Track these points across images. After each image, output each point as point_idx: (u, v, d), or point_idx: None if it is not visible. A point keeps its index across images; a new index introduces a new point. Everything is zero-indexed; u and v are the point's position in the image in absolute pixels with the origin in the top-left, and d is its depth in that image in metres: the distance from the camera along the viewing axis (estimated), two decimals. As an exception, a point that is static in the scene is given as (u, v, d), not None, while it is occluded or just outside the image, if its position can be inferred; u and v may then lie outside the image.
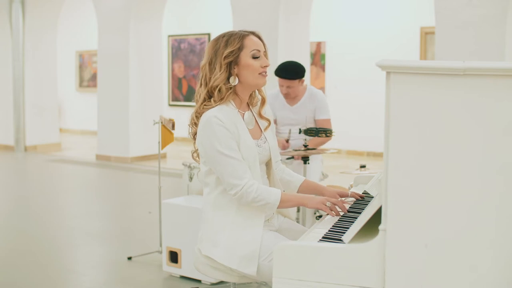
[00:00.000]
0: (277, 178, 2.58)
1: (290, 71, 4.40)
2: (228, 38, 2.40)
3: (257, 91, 2.55)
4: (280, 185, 2.58)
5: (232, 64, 2.39)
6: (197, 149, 2.51)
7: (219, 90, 2.38)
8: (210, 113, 2.35)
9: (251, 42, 2.41)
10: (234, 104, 2.43)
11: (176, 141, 4.49)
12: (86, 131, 13.77)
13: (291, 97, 4.53)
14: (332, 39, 10.37)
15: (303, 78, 4.50)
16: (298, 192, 2.67)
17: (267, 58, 2.46)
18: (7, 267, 4.35)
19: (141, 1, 9.30)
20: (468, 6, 6.24)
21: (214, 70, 2.39)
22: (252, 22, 7.74)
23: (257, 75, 2.41)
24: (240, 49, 2.39)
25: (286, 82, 4.42)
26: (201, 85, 2.45)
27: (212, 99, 2.40)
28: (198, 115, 2.43)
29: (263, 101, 2.56)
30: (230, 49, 2.37)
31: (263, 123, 2.56)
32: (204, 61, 2.44)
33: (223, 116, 2.35)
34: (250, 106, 2.53)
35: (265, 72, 2.44)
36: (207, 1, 11.85)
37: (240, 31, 2.44)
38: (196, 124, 2.45)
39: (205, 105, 2.40)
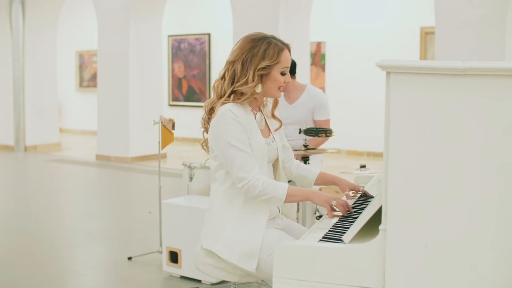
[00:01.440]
0: (284, 177, 2.63)
1: None
2: (267, 48, 2.43)
3: None
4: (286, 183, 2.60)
5: (263, 75, 2.44)
6: (206, 139, 2.55)
7: (243, 94, 2.43)
8: (226, 106, 2.40)
9: (285, 59, 2.46)
10: (248, 105, 2.49)
11: (176, 141, 4.50)
12: (86, 131, 13.77)
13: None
14: (332, 39, 10.37)
15: (293, 76, 4.45)
16: (314, 185, 2.73)
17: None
18: (7, 267, 4.35)
19: (141, 1, 9.30)
20: (468, 6, 6.23)
21: (245, 75, 2.42)
22: (252, 22, 7.74)
23: (277, 88, 2.49)
24: (275, 64, 2.43)
25: None
26: (224, 78, 2.47)
27: (231, 97, 2.43)
28: (214, 107, 2.45)
29: (276, 102, 2.62)
30: (267, 63, 2.41)
31: (274, 124, 2.62)
32: (236, 58, 2.44)
33: (238, 111, 2.39)
34: (261, 107, 2.58)
35: (283, 86, 2.51)
36: (207, 1, 11.85)
37: (277, 41, 2.46)
38: (211, 112, 2.47)
39: (223, 102, 2.43)
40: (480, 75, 1.84)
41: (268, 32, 2.58)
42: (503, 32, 6.07)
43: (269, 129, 2.58)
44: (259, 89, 2.44)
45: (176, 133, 4.55)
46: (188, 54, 12.08)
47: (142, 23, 9.44)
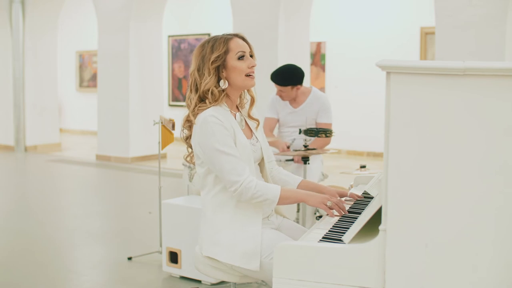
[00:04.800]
0: (270, 178, 2.62)
1: (282, 77, 4.37)
2: (214, 43, 2.44)
3: (246, 92, 2.59)
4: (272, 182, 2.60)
5: (220, 68, 2.44)
6: (191, 153, 2.55)
7: (212, 93, 2.43)
8: (206, 112, 2.39)
9: (236, 45, 2.45)
10: (226, 106, 2.48)
11: (176, 141, 4.49)
12: (86, 131, 13.77)
13: (284, 100, 4.52)
14: (332, 39, 10.37)
15: (299, 85, 4.43)
16: None
17: (254, 59, 2.50)
18: (7, 267, 4.35)
19: (141, 1, 9.30)
20: (468, 6, 6.24)
21: (203, 75, 2.44)
22: (252, 22, 7.74)
23: (244, 76, 2.46)
24: (226, 52, 2.43)
25: (278, 87, 4.42)
26: (191, 91, 2.49)
27: (206, 101, 2.43)
28: (193, 117, 2.44)
29: (252, 101, 2.61)
30: (216, 54, 2.42)
31: (252, 124, 2.61)
32: (193, 67, 2.48)
33: (219, 115, 2.38)
34: (239, 108, 2.58)
35: (253, 73, 2.47)
36: (207, 1, 11.85)
37: (224, 35, 2.49)
38: (190, 127, 2.49)
39: (199, 107, 2.43)
40: (480, 75, 1.84)
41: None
42: (503, 32, 6.07)
43: (251, 129, 2.58)
44: (223, 84, 2.43)
45: (176, 133, 4.54)
46: (188, 54, 12.07)
47: (142, 23, 9.44)
